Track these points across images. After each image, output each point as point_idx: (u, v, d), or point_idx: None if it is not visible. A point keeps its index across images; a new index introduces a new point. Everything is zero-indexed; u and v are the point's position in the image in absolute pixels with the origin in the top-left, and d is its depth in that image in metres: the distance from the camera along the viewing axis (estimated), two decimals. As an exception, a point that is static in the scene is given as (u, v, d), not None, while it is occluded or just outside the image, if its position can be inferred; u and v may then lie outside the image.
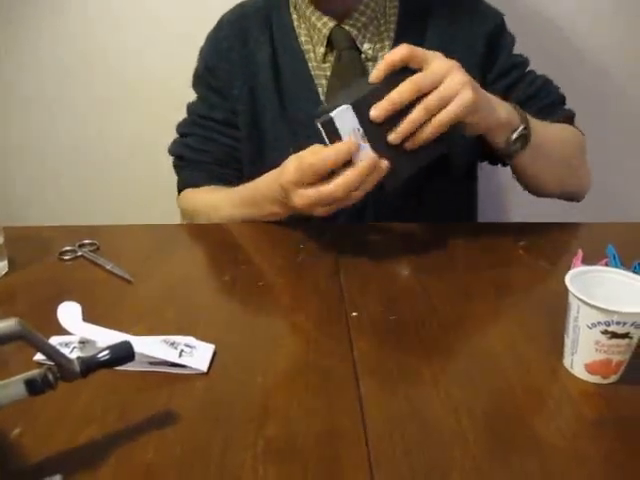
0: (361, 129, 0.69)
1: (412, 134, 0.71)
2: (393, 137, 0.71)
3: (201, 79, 1.04)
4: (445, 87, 0.70)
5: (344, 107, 0.68)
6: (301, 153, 0.73)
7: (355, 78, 0.82)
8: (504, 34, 1.00)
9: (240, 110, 0.99)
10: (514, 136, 0.80)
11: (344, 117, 0.69)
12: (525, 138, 0.81)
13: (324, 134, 0.70)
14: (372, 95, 0.70)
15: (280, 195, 0.78)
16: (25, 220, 1.48)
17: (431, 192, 0.97)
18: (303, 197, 0.72)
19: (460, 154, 0.97)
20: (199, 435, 0.50)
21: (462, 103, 0.70)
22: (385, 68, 0.71)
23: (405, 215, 0.94)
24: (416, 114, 0.70)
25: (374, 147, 0.70)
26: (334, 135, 0.69)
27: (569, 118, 1.01)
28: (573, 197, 1.01)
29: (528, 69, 1.01)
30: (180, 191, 1.06)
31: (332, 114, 0.69)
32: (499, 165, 1.02)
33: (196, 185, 1.03)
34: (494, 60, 0.98)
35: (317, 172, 0.70)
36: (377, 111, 0.69)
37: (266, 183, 0.84)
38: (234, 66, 0.99)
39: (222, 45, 1.01)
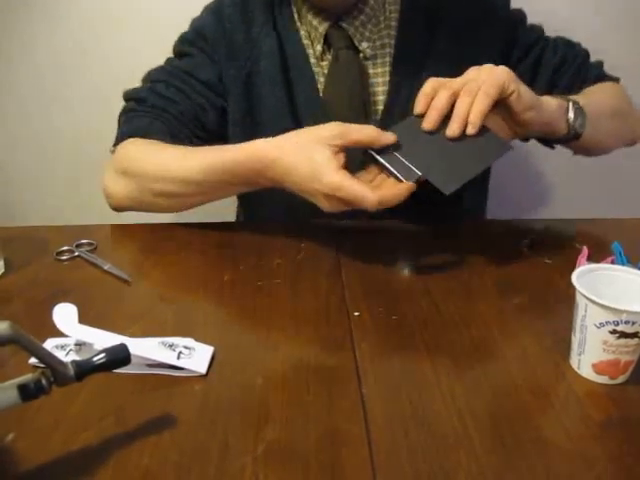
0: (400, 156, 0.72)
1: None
2: (453, 129, 0.71)
3: (192, 42, 0.98)
4: (480, 72, 0.73)
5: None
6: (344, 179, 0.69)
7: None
8: (513, 17, 0.98)
9: (234, 93, 0.95)
10: (571, 115, 0.81)
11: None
12: (581, 112, 0.82)
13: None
14: (414, 119, 0.74)
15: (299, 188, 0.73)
16: (22, 220, 1.48)
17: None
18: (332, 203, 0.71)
19: None
20: (198, 439, 0.49)
21: (497, 74, 0.71)
22: (425, 100, 0.73)
23: (406, 208, 0.93)
24: (460, 100, 0.71)
25: (419, 164, 0.71)
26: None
27: (601, 71, 1.00)
28: (631, 142, 1.02)
29: (545, 37, 1.00)
30: (122, 140, 0.91)
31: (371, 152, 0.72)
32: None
33: (148, 135, 0.89)
34: (512, 46, 0.96)
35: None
36: (427, 122, 0.72)
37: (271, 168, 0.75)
38: (235, 49, 0.95)
39: (225, 25, 0.96)
